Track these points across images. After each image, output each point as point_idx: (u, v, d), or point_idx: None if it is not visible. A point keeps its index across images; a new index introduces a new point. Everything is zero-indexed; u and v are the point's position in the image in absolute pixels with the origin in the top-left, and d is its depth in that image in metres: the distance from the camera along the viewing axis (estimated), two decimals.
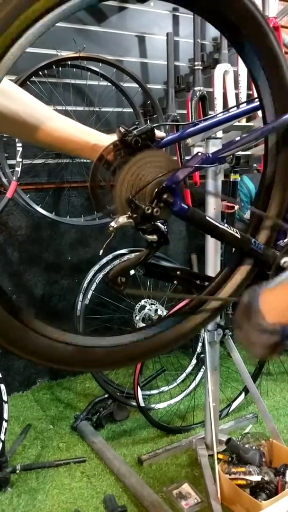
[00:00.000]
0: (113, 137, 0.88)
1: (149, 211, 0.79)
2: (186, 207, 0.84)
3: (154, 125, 0.86)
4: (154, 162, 0.83)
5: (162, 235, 0.84)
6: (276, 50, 0.86)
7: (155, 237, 0.84)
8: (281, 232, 1.10)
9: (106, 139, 0.92)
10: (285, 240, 1.10)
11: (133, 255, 2.71)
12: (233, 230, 0.94)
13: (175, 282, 0.98)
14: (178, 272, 0.97)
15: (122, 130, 0.83)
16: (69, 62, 2.62)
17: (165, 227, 0.84)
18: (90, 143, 0.93)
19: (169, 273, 0.96)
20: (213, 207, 2.00)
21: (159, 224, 0.84)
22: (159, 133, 0.92)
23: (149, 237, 0.84)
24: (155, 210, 0.80)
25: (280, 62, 0.87)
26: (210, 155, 0.86)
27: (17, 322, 0.76)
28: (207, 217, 0.91)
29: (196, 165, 0.84)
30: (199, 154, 0.85)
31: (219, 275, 1.00)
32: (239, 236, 0.94)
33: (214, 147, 1.88)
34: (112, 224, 0.80)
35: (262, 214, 0.96)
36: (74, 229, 2.89)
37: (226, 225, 0.93)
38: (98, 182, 0.88)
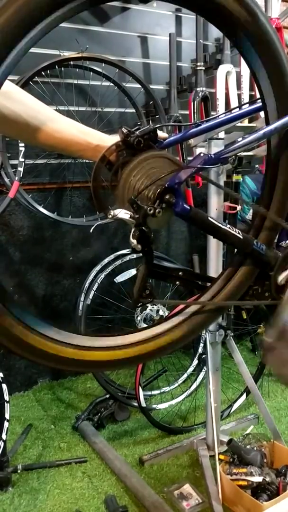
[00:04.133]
0: (115, 138, 0.88)
1: (151, 211, 0.79)
2: (189, 207, 0.84)
3: (157, 125, 0.86)
4: (156, 162, 0.83)
5: (147, 245, 0.84)
6: (278, 50, 0.86)
7: (139, 246, 0.83)
8: (284, 233, 1.11)
9: (108, 140, 0.92)
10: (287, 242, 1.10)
11: (134, 255, 2.72)
12: (236, 231, 0.93)
13: (177, 283, 0.98)
14: (180, 273, 0.96)
15: (124, 130, 0.82)
16: (71, 62, 2.63)
17: (152, 237, 0.84)
18: (92, 144, 0.93)
19: (172, 274, 0.96)
20: (215, 208, 2.00)
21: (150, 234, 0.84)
22: (161, 134, 0.92)
23: (136, 243, 0.83)
24: (157, 210, 0.80)
25: (284, 64, 0.86)
26: (213, 156, 0.86)
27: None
28: (209, 218, 0.90)
29: (199, 166, 0.83)
30: (202, 154, 0.85)
31: (221, 276, 1.00)
32: (241, 237, 0.94)
33: (216, 147, 1.88)
34: (115, 212, 0.80)
35: (264, 212, 0.96)
36: (76, 229, 2.89)
37: (228, 225, 0.93)
38: (100, 183, 0.88)
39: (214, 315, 0.99)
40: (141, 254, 0.86)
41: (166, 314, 2.63)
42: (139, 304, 0.89)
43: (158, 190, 0.80)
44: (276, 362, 0.88)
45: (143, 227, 0.81)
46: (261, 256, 0.97)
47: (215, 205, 2.01)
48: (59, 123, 0.93)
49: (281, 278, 0.99)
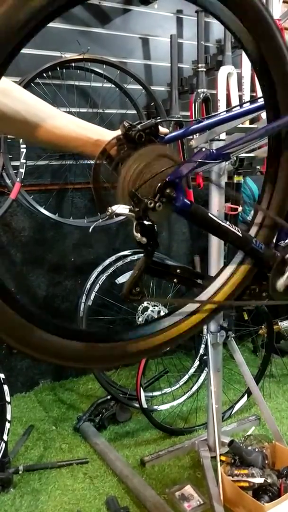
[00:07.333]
0: (115, 133, 0.88)
1: (152, 205, 0.79)
2: (189, 202, 0.84)
3: (158, 120, 0.86)
4: (157, 156, 0.83)
5: (152, 238, 0.84)
6: (282, 49, 0.86)
7: (144, 239, 0.83)
8: (283, 233, 1.10)
9: (108, 135, 0.92)
10: (286, 241, 1.10)
11: (136, 256, 2.72)
12: (235, 229, 0.93)
13: (175, 280, 0.97)
14: (178, 271, 0.96)
15: (126, 124, 0.82)
16: (73, 64, 2.63)
17: (156, 229, 0.84)
18: (92, 139, 0.93)
19: (170, 272, 0.96)
20: (216, 209, 2.00)
21: (154, 226, 0.83)
22: (162, 129, 0.92)
23: (140, 236, 0.83)
24: (157, 204, 0.80)
25: (286, 60, 0.86)
26: (214, 151, 0.86)
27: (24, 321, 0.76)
28: (209, 214, 0.90)
29: (200, 160, 0.83)
30: (203, 149, 0.84)
31: (219, 274, 1.00)
32: (240, 235, 0.94)
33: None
34: (113, 208, 0.79)
35: (264, 211, 0.96)
36: (77, 230, 2.89)
37: (228, 223, 0.93)
38: (101, 179, 0.88)
39: (211, 315, 0.98)
40: (146, 248, 0.85)
41: None
42: (126, 300, 0.88)
43: (159, 184, 0.80)
44: None
45: (144, 220, 0.80)
46: (259, 255, 0.97)
47: (217, 206, 2.01)
48: (59, 120, 0.93)
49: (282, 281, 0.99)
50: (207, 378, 2.25)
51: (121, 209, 0.79)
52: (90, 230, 0.97)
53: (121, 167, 0.81)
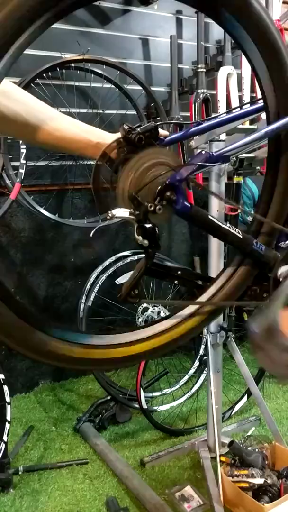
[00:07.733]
0: (116, 135, 0.88)
1: (152, 208, 0.79)
2: (189, 205, 0.84)
3: (158, 123, 0.86)
4: (157, 159, 0.83)
5: (154, 240, 0.84)
6: (280, 48, 0.86)
7: (146, 242, 0.83)
8: (283, 234, 1.10)
9: (109, 137, 0.92)
10: (287, 242, 1.10)
11: (135, 257, 2.72)
12: (235, 230, 0.93)
13: (176, 282, 0.98)
14: (179, 272, 0.96)
15: (126, 127, 0.83)
16: (73, 65, 2.63)
17: (157, 232, 0.84)
18: (92, 142, 0.93)
19: (170, 273, 0.96)
20: (216, 209, 2.00)
21: (155, 228, 0.83)
22: (162, 132, 0.92)
23: (141, 239, 0.83)
24: (157, 207, 0.80)
25: (285, 61, 0.86)
26: (214, 154, 0.86)
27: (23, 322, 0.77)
28: (210, 216, 0.90)
29: (200, 163, 0.83)
30: (203, 152, 0.85)
31: (219, 275, 1.00)
32: (241, 236, 0.94)
33: (217, 149, 1.88)
34: (114, 212, 0.79)
35: (262, 219, 0.96)
36: (77, 231, 2.89)
37: (228, 224, 0.93)
38: (101, 182, 0.88)
39: (212, 315, 0.98)
40: (147, 250, 0.85)
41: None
42: (124, 301, 0.89)
43: (159, 187, 0.80)
44: (267, 363, 0.88)
45: (145, 223, 0.80)
46: (260, 257, 0.97)
47: (217, 206, 2.01)
48: (59, 122, 0.93)
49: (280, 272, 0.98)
50: (207, 379, 2.25)
51: (122, 212, 0.79)
52: (92, 234, 0.97)
53: (121, 170, 0.81)
